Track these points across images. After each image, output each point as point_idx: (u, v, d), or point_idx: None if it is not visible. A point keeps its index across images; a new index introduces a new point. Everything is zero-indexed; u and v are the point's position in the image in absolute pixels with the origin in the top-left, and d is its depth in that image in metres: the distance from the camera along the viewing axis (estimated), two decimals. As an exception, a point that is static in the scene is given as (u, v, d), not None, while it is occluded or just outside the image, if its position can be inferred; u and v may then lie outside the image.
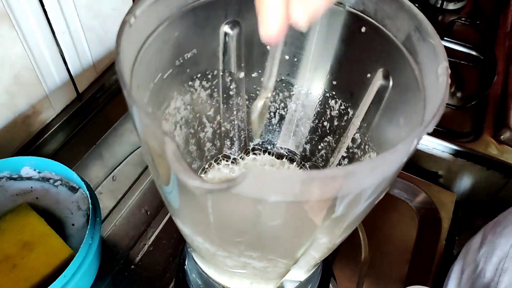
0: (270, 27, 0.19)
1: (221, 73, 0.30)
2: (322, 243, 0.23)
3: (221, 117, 0.32)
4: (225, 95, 0.31)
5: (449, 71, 0.19)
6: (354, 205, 0.20)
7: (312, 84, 0.31)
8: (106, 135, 0.65)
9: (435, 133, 0.66)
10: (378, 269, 0.56)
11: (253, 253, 0.22)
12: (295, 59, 0.30)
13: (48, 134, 0.60)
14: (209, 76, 0.30)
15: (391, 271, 0.56)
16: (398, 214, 0.62)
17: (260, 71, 0.31)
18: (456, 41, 0.78)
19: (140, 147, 0.66)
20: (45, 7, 0.52)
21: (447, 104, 0.68)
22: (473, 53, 0.78)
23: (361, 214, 0.22)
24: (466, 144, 0.65)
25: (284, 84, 0.32)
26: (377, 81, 0.26)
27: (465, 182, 0.70)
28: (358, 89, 0.28)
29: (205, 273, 0.32)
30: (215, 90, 0.31)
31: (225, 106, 0.32)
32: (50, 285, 0.41)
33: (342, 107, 0.30)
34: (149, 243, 0.55)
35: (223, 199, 0.17)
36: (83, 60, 0.62)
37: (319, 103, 0.31)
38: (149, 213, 0.58)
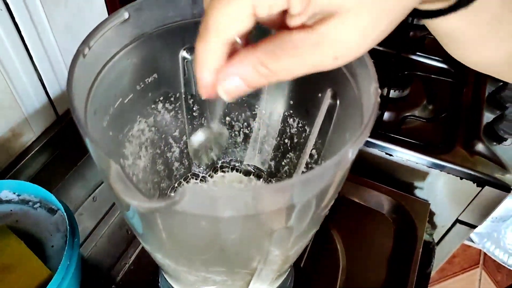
0: (204, 89, 0.21)
1: (183, 96, 0.31)
2: (275, 256, 0.24)
3: (187, 137, 0.34)
4: (189, 116, 0.32)
5: (379, 91, 0.21)
6: (302, 217, 0.21)
7: (272, 104, 0.32)
8: (86, 157, 0.66)
9: (409, 146, 0.68)
10: (356, 278, 0.57)
11: (209, 267, 0.23)
12: (254, 81, 0.32)
13: (28, 156, 0.60)
14: (172, 99, 0.31)
15: (369, 279, 0.57)
16: (374, 224, 0.63)
17: (221, 93, 0.33)
18: (427, 56, 0.81)
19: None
20: (22, 33, 0.54)
21: (420, 117, 0.70)
22: (444, 66, 0.80)
23: (310, 225, 0.23)
24: (439, 156, 0.67)
25: (245, 105, 0.33)
26: (327, 100, 0.27)
27: (439, 192, 0.71)
28: (311, 107, 0.29)
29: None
30: (179, 111, 0.32)
31: (190, 126, 0.33)
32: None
33: (300, 124, 0.31)
34: (130, 262, 0.56)
35: (168, 217, 0.19)
36: (62, 82, 0.64)
37: (280, 121, 0.33)
38: (129, 232, 0.59)
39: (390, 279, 0.57)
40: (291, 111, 0.32)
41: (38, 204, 0.52)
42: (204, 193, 0.16)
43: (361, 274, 0.58)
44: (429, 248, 0.74)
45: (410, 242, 0.60)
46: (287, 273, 0.34)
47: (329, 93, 0.27)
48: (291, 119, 0.32)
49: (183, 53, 0.29)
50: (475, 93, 0.75)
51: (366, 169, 0.71)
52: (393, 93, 0.72)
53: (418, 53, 0.81)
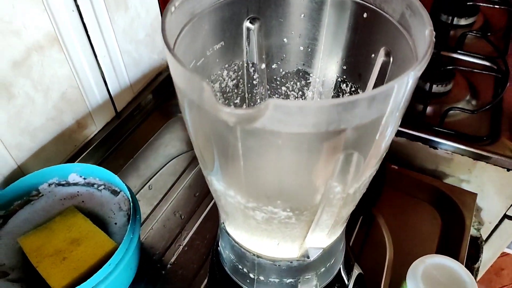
0: None
1: (245, 64, 0.34)
2: (337, 193, 0.26)
3: (246, 105, 0.37)
4: (249, 85, 0.36)
5: (434, 33, 0.23)
6: (358, 143, 0.23)
7: (326, 71, 0.35)
8: (142, 149, 0.70)
9: (454, 138, 0.68)
10: (402, 268, 0.57)
11: (277, 199, 0.26)
12: (309, 49, 0.34)
13: (90, 148, 0.65)
14: (235, 67, 0.34)
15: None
16: (421, 214, 0.64)
17: (278, 63, 0.36)
18: (468, 53, 0.81)
19: (173, 159, 0.71)
20: (89, 33, 0.59)
21: (464, 108, 0.70)
22: (486, 63, 0.81)
23: (369, 159, 0.25)
24: (485, 147, 0.67)
25: (300, 74, 0.36)
26: (380, 59, 0.30)
27: (486, 186, 0.71)
28: (364, 70, 0.32)
29: (237, 244, 0.35)
30: (241, 80, 0.35)
31: (249, 95, 0.36)
32: (96, 273, 0.45)
33: (353, 89, 0.34)
34: (184, 244, 0.59)
35: (249, 136, 0.21)
36: (121, 81, 0.69)
37: (333, 88, 0.36)
38: (183, 217, 0.62)
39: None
40: (344, 76, 0.34)
41: (103, 187, 0.57)
42: (287, 104, 0.19)
43: (407, 262, 0.58)
44: (477, 244, 0.73)
45: (457, 232, 0.60)
46: (339, 233, 0.35)
47: (382, 52, 0.30)
48: (344, 85, 0.34)
49: (247, 23, 0.32)
50: (520, 87, 0.75)
51: (411, 163, 0.72)
52: (435, 88, 0.73)
53: (459, 51, 0.82)
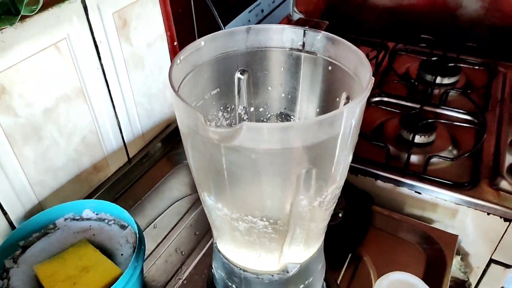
0: None
1: (237, 107, 0.42)
2: (304, 206, 0.32)
3: (238, 142, 0.44)
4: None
5: (373, 78, 0.31)
6: (317, 160, 0.30)
7: (304, 113, 0.42)
8: (150, 192, 0.77)
9: (437, 184, 0.74)
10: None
11: (255, 209, 0.32)
12: (289, 96, 0.42)
13: (104, 189, 0.72)
14: (228, 109, 0.42)
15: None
16: (406, 255, 0.68)
17: (265, 106, 0.43)
18: (450, 108, 0.89)
19: (177, 201, 0.77)
20: (109, 87, 0.69)
21: (445, 156, 0.77)
22: (467, 117, 0.88)
23: (328, 175, 0.32)
24: (466, 192, 0.73)
25: (283, 116, 0.44)
26: (342, 101, 0.37)
27: (470, 231, 0.75)
28: (333, 109, 0.39)
29: (227, 260, 0.41)
30: (233, 120, 0.43)
31: (241, 133, 0.44)
32: (103, 293, 0.50)
33: (325, 127, 0.41)
34: (183, 278, 0.64)
35: (231, 151, 0.28)
36: (135, 130, 0.77)
37: (310, 128, 0.43)
38: (183, 253, 0.67)
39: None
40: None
41: (113, 221, 0.63)
42: (257, 125, 0.26)
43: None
44: (464, 287, 0.76)
45: (440, 270, 0.64)
46: (315, 250, 0.41)
47: (344, 95, 0.37)
48: (318, 124, 0.42)
49: (238, 74, 0.41)
50: (498, 138, 0.82)
51: (399, 210, 0.77)
52: (418, 139, 0.80)
53: (442, 106, 0.90)
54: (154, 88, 0.80)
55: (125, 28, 0.68)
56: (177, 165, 0.83)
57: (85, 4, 0.60)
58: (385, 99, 0.94)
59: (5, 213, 0.58)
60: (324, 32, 0.37)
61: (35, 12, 0.50)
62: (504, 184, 0.73)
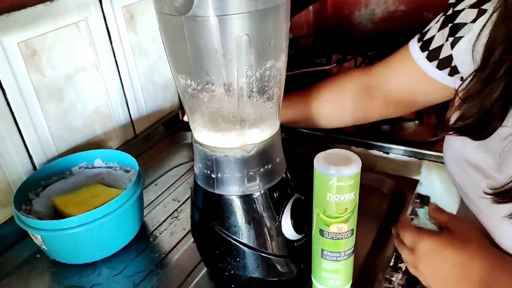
0: None
1: None
2: (249, 76, 0.44)
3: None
4: None
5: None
6: (255, 28, 0.42)
7: None
8: (153, 163, 0.89)
9: (401, 143, 0.84)
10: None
11: (212, 74, 0.44)
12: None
13: (113, 156, 0.84)
14: None
15: (362, 235, 0.69)
16: (373, 198, 0.77)
17: None
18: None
19: (175, 167, 0.89)
20: (119, 68, 0.84)
21: (409, 119, 0.88)
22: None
23: (262, 43, 0.44)
24: (427, 148, 0.83)
25: None
26: None
27: (437, 186, 0.84)
28: None
29: (201, 145, 0.52)
30: None
31: None
32: (105, 204, 0.61)
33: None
34: (178, 216, 0.74)
35: (189, 20, 0.41)
36: (140, 110, 0.91)
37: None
38: (179, 201, 0.78)
39: (380, 234, 0.68)
40: None
41: (119, 168, 0.75)
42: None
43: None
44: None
45: (400, 206, 0.73)
46: (270, 135, 0.52)
47: None
48: None
49: None
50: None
51: (373, 171, 0.87)
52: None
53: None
54: (158, 77, 0.94)
55: (132, 20, 0.85)
56: (177, 144, 0.96)
57: (100, -4, 0.77)
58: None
59: (30, 157, 0.71)
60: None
61: (62, -9, 0.67)
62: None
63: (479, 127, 0.51)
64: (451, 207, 0.86)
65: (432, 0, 1.40)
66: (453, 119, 0.55)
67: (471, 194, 0.56)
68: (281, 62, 0.48)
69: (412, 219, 0.82)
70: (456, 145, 0.57)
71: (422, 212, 0.84)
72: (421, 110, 0.94)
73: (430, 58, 0.60)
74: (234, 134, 0.50)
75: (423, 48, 0.61)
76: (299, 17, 1.43)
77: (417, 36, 0.62)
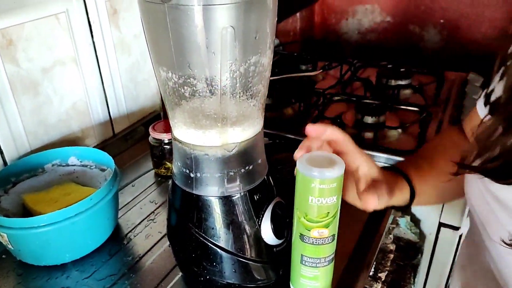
0: None
1: None
2: (232, 71, 0.43)
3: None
4: None
5: None
6: (239, 19, 0.41)
7: None
8: (131, 163, 0.86)
9: (386, 151, 0.84)
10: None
11: (195, 68, 0.42)
12: None
13: (89, 154, 0.81)
14: None
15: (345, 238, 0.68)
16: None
17: None
18: (402, 102, 1.01)
19: (152, 169, 0.87)
20: (99, 63, 0.81)
21: (393, 127, 0.87)
22: (416, 108, 1.00)
23: (246, 37, 0.42)
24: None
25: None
26: None
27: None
28: None
29: (180, 143, 0.50)
30: None
31: None
32: (79, 202, 0.58)
33: None
34: (155, 218, 0.71)
35: (172, 9, 0.40)
36: (120, 109, 0.89)
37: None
38: (156, 203, 0.75)
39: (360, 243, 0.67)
40: None
41: (94, 166, 0.72)
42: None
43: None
44: (416, 247, 0.83)
45: (380, 214, 0.72)
46: (251, 134, 0.50)
47: None
48: None
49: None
50: (440, 121, 0.93)
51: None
52: (370, 119, 0.91)
53: (395, 105, 1.02)
54: (140, 76, 0.92)
55: (115, 15, 0.82)
56: (157, 145, 0.93)
57: (83, -12, 0.75)
58: (345, 97, 1.07)
59: (1, 152, 0.68)
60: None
61: (42, -21, 0.64)
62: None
63: (506, 171, 0.43)
64: (433, 217, 0.86)
65: (418, 12, 1.41)
66: (476, 160, 0.47)
67: (492, 232, 0.48)
68: (266, 58, 0.46)
69: (392, 228, 0.81)
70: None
71: (403, 221, 0.83)
72: (404, 119, 0.95)
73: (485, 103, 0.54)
74: (215, 132, 0.48)
75: (485, 103, 0.54)
76: (285, 24, 1.43)
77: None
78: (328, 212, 0.46)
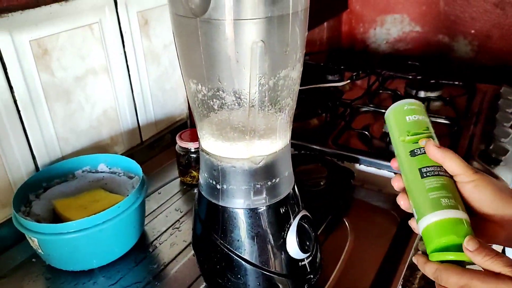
0: None
1: None
2: (261, 85, 0.43)
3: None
4: None
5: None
6: (270, 34, 0.41)
7: None
8: (158, 170, 0.88)
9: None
10: (359, 252, 0.67)
11: (224, 81, 0.42)
12: None
13: (117, 161, 0.83)
14: None
15: (371, 255, 0.66)
16: (380, 218, 0.74)
17: None
18: (434, 115, 0.99)
19: (178, 177, 0.87)
20: (130, 72, 0.83)
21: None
22: (446, 121, 0.98)
23: (277, 51, 0.42)
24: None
25: None
26: None
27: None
28: None
29: (208, 155, 0.50)
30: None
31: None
32: (106, 210, 0.59)
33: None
34: (180, 227, 0.72)
35: (203, 23, 0.40)
36: (148, 116, 0.90)
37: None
38: (181, 211, 0.76)
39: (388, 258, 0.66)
40: None
41: (122, 174, 0.73)
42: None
43: (364, 249, 0.67)
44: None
45: (409, 229, 0.70)
46: (279, 147, 0.50)
47: None
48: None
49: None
50: (471, 137, 0.90)
51: (379, 189, 0.84)
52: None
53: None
54: (168, 85, 0.93)
55: (146, 26, 0.84)
56: (183, 153, 0.94)
57: (116, 0, 0.77)
58: (373, 108, 1.05)
59: (33, 157, 0.70)
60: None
61: (77, -8, 0.66)
62: (475, 164, 0.80)
63: None
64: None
65: (448, 22, 1.39)
66: None
67: None
68: (296, 72, 0.46)
69: (422, 244, 0.79)
70: None
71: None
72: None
73: None
74: (242, 144, 0.48)
75: None
76: (312, 33, 1.43)
77: None
78: (427, 127, 0.48)
